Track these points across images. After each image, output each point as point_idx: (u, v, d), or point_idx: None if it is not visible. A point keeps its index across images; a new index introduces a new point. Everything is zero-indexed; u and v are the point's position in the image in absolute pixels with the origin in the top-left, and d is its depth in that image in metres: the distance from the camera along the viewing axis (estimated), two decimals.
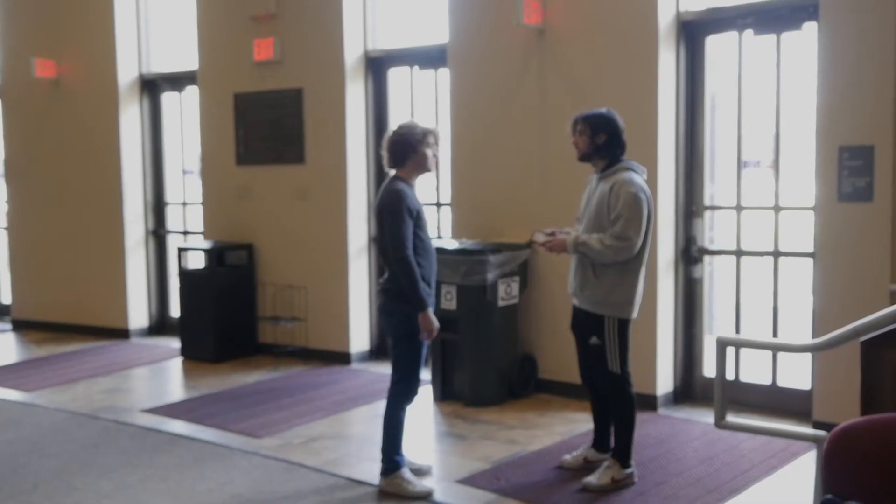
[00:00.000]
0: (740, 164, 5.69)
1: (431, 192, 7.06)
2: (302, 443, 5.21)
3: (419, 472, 4.61)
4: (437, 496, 4.41)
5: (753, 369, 5.78)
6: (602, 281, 4.35)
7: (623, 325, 4.40)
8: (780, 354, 5.59)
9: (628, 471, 4.45)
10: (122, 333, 8.37)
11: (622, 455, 4.45)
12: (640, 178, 4.35)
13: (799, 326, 5.91)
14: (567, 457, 4.75)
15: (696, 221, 5.82)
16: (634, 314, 4.44)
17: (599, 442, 4.70)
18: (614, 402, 4.50)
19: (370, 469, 4.70)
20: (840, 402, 4.84)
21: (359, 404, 6.01)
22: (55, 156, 8.69)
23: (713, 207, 5.85)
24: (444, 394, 6.05)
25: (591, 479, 4.43)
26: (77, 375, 6.98)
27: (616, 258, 4.28)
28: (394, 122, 7.19)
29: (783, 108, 5.50)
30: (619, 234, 4.24)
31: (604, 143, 4.38)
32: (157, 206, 8.57)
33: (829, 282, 5.15)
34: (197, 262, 7.72)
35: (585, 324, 4.47)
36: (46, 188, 8.80)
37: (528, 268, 6.07)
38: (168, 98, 8.46)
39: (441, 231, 6.98)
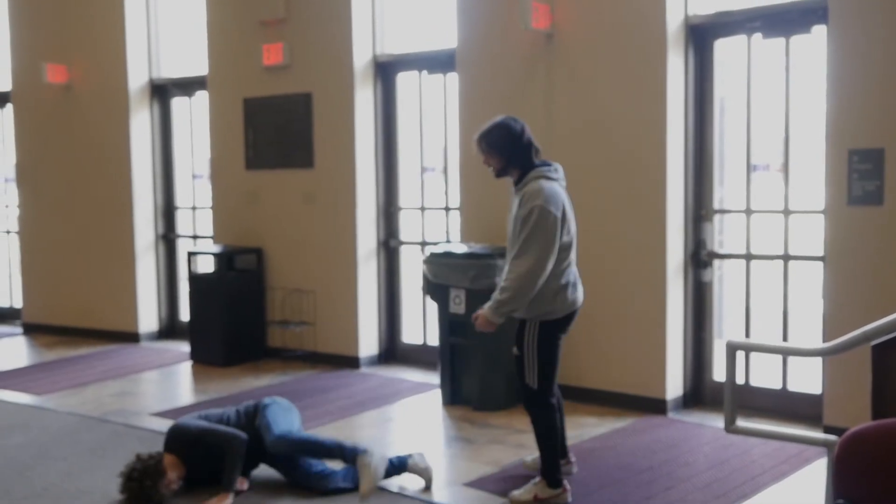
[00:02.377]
0: (749, 168, 5.67)
1: (440, 196, 7.07)
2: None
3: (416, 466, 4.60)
4: (446, 499, 4.41)
5: (763, 373, 5.76)
6: None
7: (545, 332, 4.21)
8: (791, 358, 5.56)
9: (556, 490, 4.29)
10: (132, 337, 8.40)
11: (547, 474, 4.31)
12: (549, 185, 4.16)
13: (809, 330, 5.89)
14: (528, 458, 4.73)
15: (706, 225, 5.81)
16: (560, 313, 4.23)
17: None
18: (531, 417, 4.32)
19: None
20: (851, 407, 4.82)
21: (367, 409, 6.01)
22: (66, 160, 8.73)
23: (722, 211, 5.84)
24: (452, 398, 6.05)
25: (517, 492, 4.35)
26: (87, 379, 7.00)
27: (533, 283, 4.05)
28: (402, 127, 7.25)
29: (792, 111, 5.48)
30: (519, 250, 4.07)
31: (511, 153, 4.26)
32: (167, 211, 8.60)
33: (840, 285, 5.13)
34: (206, 266, 7.74)
35: (515, 334, 4.33)
36: (57, 192, 8.84)
37: None
38: (178, 103, 8.49)
39: (450, 235, 6.98)
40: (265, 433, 4.52)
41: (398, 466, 4.54)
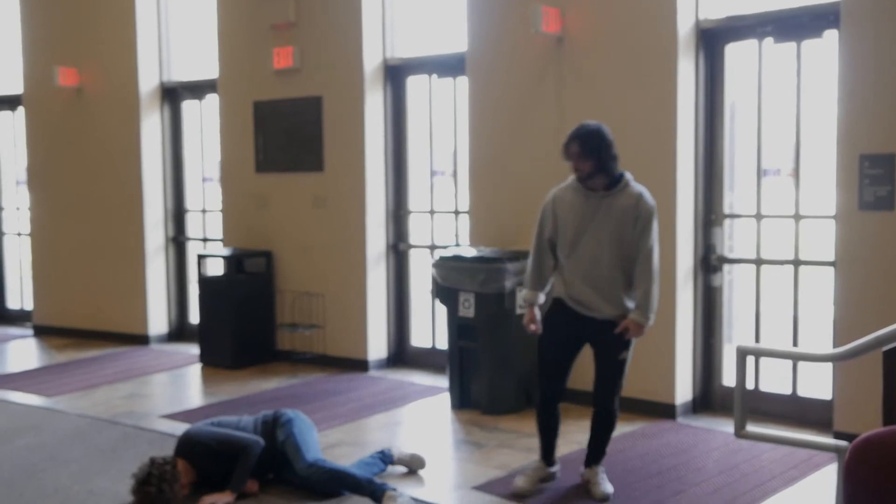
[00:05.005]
0: (760, 173, 5.66)
1: (450, 200, 7.08)
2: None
3: (411, 461, 4.79)
4: (454, 503, 4.42)
5: (774, 379, 5.74)
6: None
7: None
8: (801, 364, 5.55)
9: None
10: (142, 339, 8.42)
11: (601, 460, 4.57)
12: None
13: (819, 336, 5.87)
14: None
15: (716, 230, 5.80)
16: None
17: (548, 457, 4.63)
18: (613, 417, 4.51)
19: (385, 475, 4.70)
20: (861, 413, 4.80)
21: (376, 412, 6.02)
22: (77, 163, 8.77)
23: (733, 216, 5.83)
24: (461, 402, 6.05)
25: (607, 488, 4.43)
26: (97, 381, 7.02)
27: (657, 272, 4.38)
28: (412, 130, 7.26)
29: (803, 116, 5.47)
30: (647, 251, 4.31)
31: (605, 159, 4.31)
32: (177, 214, 8.62)
33: (851, 291, 5.11)
34: (216, 269, 7.76)
35: (611, 339, 4.37)
36: (68, 195, 8.87)
37: None
38: (188, 106, 8.52)
39: (459, 239, 6.99)
40: (294, 455, 4.50)
41: (385, 463, 4.69)
